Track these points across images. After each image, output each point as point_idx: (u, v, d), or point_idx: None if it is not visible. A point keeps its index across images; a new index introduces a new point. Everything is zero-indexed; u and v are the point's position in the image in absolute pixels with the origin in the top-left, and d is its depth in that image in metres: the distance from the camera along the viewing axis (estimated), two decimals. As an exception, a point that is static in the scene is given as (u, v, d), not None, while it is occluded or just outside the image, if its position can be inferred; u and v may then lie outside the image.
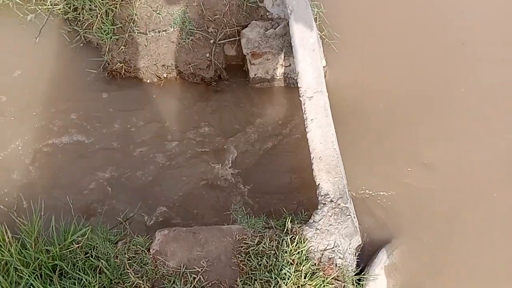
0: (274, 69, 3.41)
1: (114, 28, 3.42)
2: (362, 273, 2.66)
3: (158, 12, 3.40)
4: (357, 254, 2.65)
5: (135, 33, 3.40)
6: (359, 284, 2.57)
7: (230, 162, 3.20)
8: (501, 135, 3.23)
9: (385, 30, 3.63)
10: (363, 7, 3.74)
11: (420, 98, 3.34)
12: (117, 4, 3.41)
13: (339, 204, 2.53)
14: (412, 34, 3.63)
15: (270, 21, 3.40)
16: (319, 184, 2.61)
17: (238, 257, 2.40)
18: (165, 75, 3.47)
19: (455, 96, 3.38)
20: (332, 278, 2.43)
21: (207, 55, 3.40)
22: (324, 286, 2.37)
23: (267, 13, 3.42)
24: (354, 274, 2.58)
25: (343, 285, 2.49)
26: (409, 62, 3.49)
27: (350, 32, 3.58)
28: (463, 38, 3.61)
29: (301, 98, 2.86)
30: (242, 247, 2.43)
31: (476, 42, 3.61)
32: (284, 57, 3.33)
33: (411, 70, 3.47)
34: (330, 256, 2.49)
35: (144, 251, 2.43)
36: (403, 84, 3.39)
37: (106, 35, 3.41)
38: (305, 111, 2.82)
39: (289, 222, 2.51)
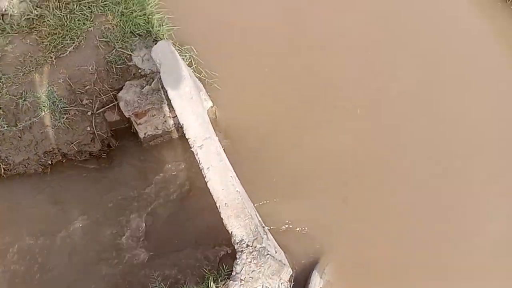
0: (163, 123, 3.32)
1: (-21, 129, 3.15)
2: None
3: (23, 99, 3.18)
4: (291, 285, 2.62)
5: (4, 128, 3.14)
6: (299, 316, 2.54)
7: (135, 231, 3.05)
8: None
9: (260, 60, 3.64)
10: (235, 42, 3.72)
11: (301, 118, 3.41)
12: (-25, 102, 3.15)
13: (255, 247, 2.48)
14: (281, 59, 3.65)
15: (144, 78, 3.31)
16: (231, 232, 2.53)
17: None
18: (50, 162, 3.24)
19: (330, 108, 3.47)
20: (271, 322, 2.36)
21: (88, 128, 3.22)
22: (264, 334, 2.30)
23: (139, 70, 3.32)
24: (293, 306, 2.55)
25: (283, 325, 2.43)
26: (285, 86, 3.53)
27: (227, 68, 3.57)
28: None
29: (192, 149, 2.79)
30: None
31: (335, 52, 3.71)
32: (169, 109, 3.25)
33: (287, 93, 3.51)
34: (262, 301, 2.42)
35: None
36: (284, 109, 3.43)
37: (-28, 138, 3.13)
38: (199, 160, 2.74)
39: (212, 283, 2.41)
